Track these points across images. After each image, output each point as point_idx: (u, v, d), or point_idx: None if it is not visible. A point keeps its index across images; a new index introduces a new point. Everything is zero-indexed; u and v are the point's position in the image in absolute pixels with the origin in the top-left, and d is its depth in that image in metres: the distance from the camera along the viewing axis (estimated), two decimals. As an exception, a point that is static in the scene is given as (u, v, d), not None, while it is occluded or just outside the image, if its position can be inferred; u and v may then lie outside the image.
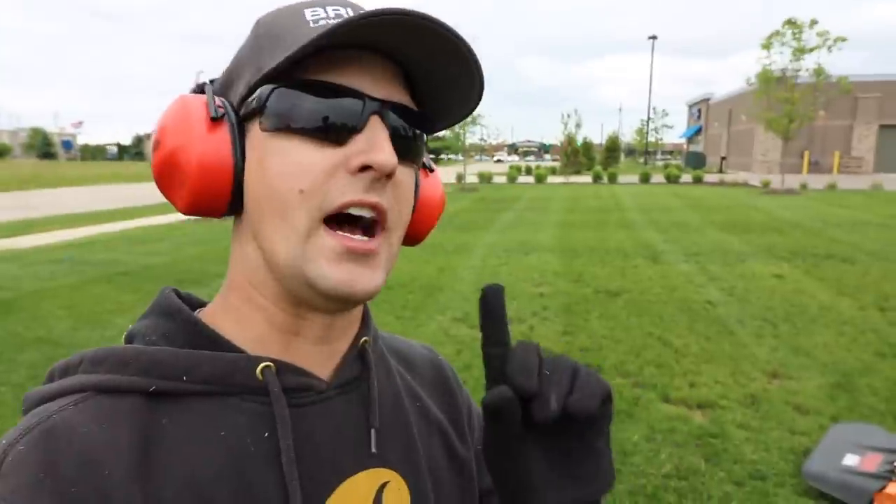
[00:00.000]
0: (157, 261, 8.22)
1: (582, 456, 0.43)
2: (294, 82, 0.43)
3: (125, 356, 0.44)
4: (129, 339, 0.48)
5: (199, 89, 0.49)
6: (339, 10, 0.45)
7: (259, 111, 0.44)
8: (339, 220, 0.44)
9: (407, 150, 0.47)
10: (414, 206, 0.53)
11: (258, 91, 0.44)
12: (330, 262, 0.43)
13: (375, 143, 0.43)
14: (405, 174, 0.47)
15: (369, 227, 0.45)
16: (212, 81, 0.50)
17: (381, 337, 0.60)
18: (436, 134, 0.55)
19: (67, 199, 20.22)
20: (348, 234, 0.43)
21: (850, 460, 2.81)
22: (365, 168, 0.43)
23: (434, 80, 0.47)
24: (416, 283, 6.63)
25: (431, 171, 0.56)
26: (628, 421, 3.45)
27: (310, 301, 0.46)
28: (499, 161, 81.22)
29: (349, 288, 0.43)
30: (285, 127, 0.43)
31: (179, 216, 14.06)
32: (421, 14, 0.40)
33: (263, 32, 0.47)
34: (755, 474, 2.91)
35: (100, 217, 14.15)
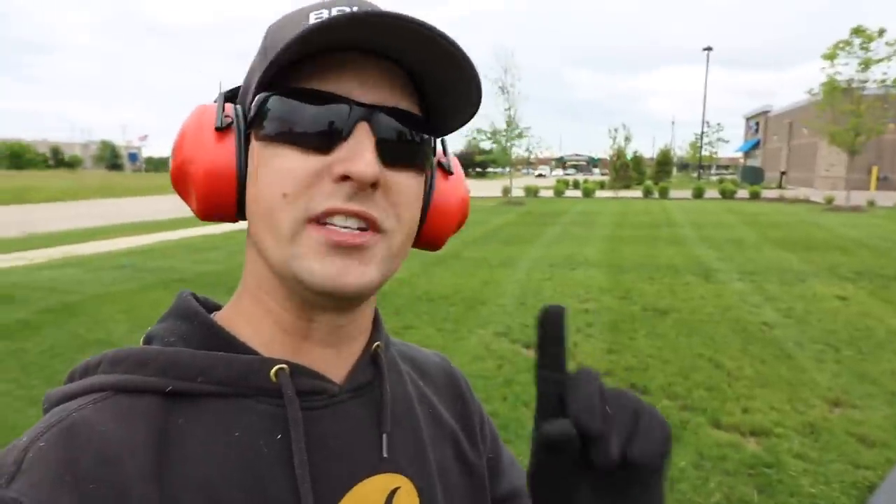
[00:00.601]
0: (210, 268, 8.52)
1: (636, 500, 0.41)
2: (285, 90, 0.44)
3: (143, 357, 0.46)
4: (148, 341, 0.49)
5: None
6: (343, 10, 0.44)
7: (256, 119, 0.45)
8: (324, 225, 0.43)
9: (404, 154, 0.46)
10: (427, 210, 0.52)
11: (256, 99, 0.45)
12: (316, 257, 0.43)
13: (356, 152, 0.42)
14: (402, 179, 0.46)
15: (363, 227, 0.44)
16: (234, 92, 0.51)
17: (392, 344, 0.60)
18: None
19: (131, 208, 21.31)
20: (336, 227, 0.43)
21: (921, 499, 2.60)
22: (346, 177, 0.42)
23: (432, 82, 0.46)
24: (458, 296, 6.61)
25: (451, 173, 0.55)
26: (676, 446, 3.30)
27: (309, 300, 0.46)
28: (541, 175, 75.83)
29: (335, 281, 0.43)
30: (276, 134, 0.44)
31: (233, 226, 14.54)
32: (397, 14, 0.40)
33: (269, 39, 0.47)
34: (813, 509, 2.73)
35: (160, 226, 14.85)
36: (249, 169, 0.46)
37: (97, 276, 8.01)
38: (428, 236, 0.54)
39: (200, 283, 7.49)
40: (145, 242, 11.66)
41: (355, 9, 0.44)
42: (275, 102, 0.44)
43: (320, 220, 0.43)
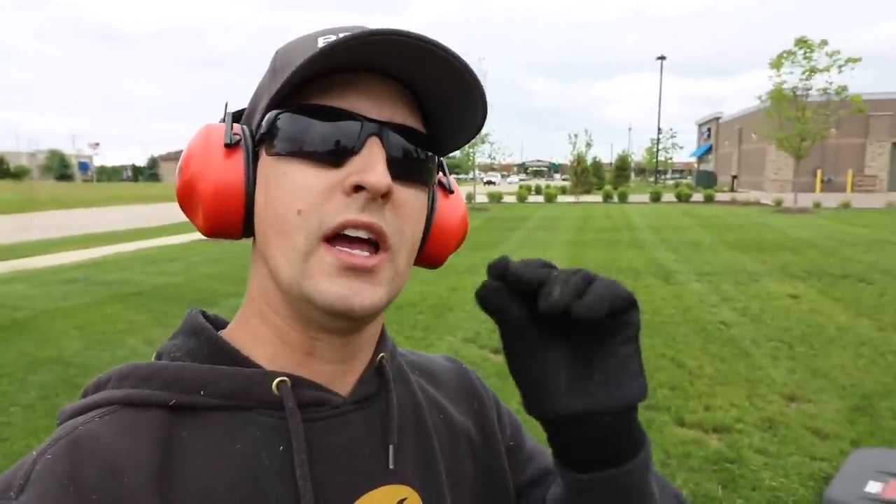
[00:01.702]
0: (169, 281, 8.27)
1: (603, 363, 0.42)
2: (296, 107, 0.45)
3: (148, 371, 0.46)
4: (158, 358, 0.50)
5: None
6: (351, 33, 0.46)
7: (266, 136, 0.46)
8: (339, 240, 0.44)
9: (410, 171, 0.47)
10: (430, 228, 0.53)
11: (266, 117, 0.46)
12: (328, 278, 0.43)
13: (369, 164, 0.43)
14: (409, 195, 0.47)
15: (371, 245, 0.45)
16: (241, 112, 0.52)
17: (399, 353, 0.60)
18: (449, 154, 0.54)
19: (82, 219, 20.52)
20: (347, 250, 0.44)
21: (873, 487, 2.72)
22: (359, 188, 0.43)
23: (437, 100, 0.48)
24: (426, 303, 6.61)
25: (451, 191, 0.56)
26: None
27: (315, 320, 0.47)
28: (490, 182, 66.37)
29: (346, 303, 0.43)
30: (287, 151, 0.45)
31: (193, 236, 14.20)
32: (411, 33, 0.41)
33: (278, 62, 0.49)
34: (774, 501, 2.83)
35: (114, 237, 14.34)
36: (258, 185, 0.47)
37: (47, 290, 7.67)
38: (430, 254, 0.55)
39: (158, 295, 7.27)
40: (99, 255, 11.23)
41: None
42: (287, 119, 0.45)
43: (333, 236, 0.44)
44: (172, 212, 24.90)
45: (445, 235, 0.55)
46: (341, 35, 0.45)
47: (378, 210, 0.44)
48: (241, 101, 0.53)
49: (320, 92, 0.45)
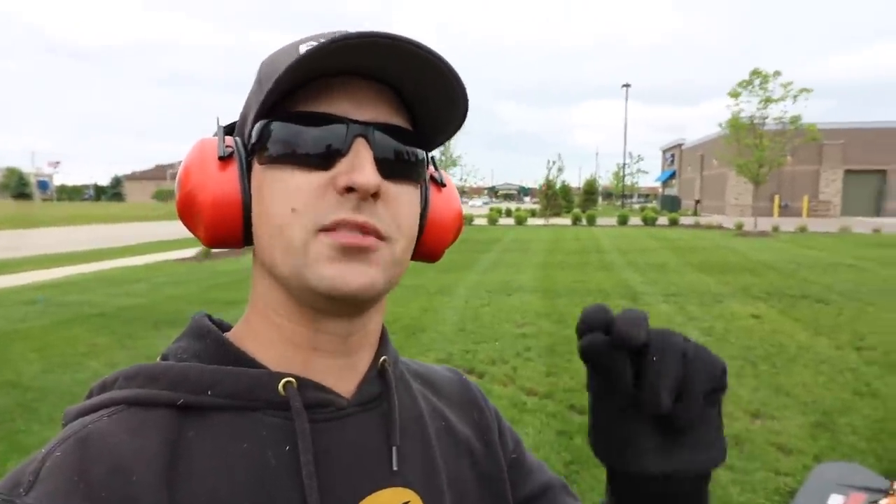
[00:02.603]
0: (133, 302, 8.05)
1: (693, 424, 0.42)
2: (283, 115, 0.46)
3: (155, 371, 0.47)
4: (164, 359, 0.50)
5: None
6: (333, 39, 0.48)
7: (257, 146, 0.48)
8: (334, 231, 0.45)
9: (400, 168, 0.48)
10: (425, 223, 0.55)
11: (255, 126, 0.48)
12: (326, 262, 0.45)
13: (357, 165, 0.45)
14: (400, 191, 0.48)
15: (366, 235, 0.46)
16: (231, 126, 0.54)
17: (402, 362, 0.61)
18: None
19: (41, 239, 19.84)
20: (343, 232, 0.45)
21: (835, 500, 2.81)
22: (350, 189, 0.45)
23: (420, 97, 0.49)
24: (398, 324, 6.58)
25: (444, 185, 0.57)
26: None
27: (319, 307, 0.48)
28: None
29: (345, 283, 0.45)
30: (278, 157, 0.46)
31: (158, 257, 13.87)
32: (388, 35, 0.42)
33: (263, 72, 0.50)
34: (742, 516, 2.88)
35: (75, 258, 13.89)
36: (253, 192, 0.48)
37: (5, 312, 7.37)
38: (427, 248, 0.56)
39: (121, 317, 7.06)
40: (59, 275, 10.86)
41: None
42: (276, 127, 0.46)
43: (329, 229, 0.45)
44: (136, 231, 24.25)
45: (441, 229, 0.56)
46: (321, 41, 0.46)
47: (370, 209, 0.45)
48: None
49: (306, 98, 0.46)
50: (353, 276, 0.45)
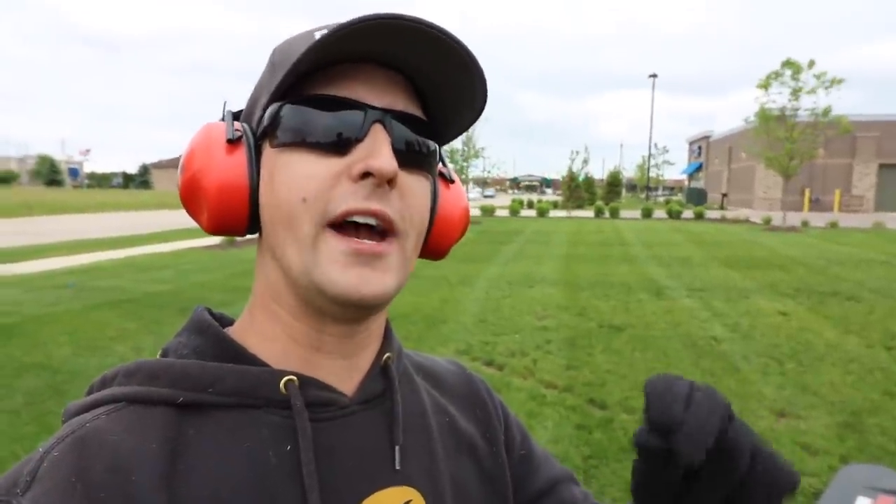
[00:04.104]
0: (160, 288, 8.21)
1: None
2: (298, 98, 0.45)
3: (156, 369, 0.46)
4: (164, 355, 0.49)
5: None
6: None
7: (269, 129, 0.46)
8: (346, 227, 0.44)
9: (414, 158, 0.47)
10: (433, 218, 0.53)
11: (267, 110, 0.46)
12: (338, 266, 0.43)
13: (374, 150, 0.44)
14: (413, 182, 0.47)
15: (379, 233, 0.45)
16: (237, 113, 0.52)
17: (406, 355, 0.60)
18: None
19: (72, 225, 20.36)
20: (356, 238, 0.44)
21: (862, 503, 2.75)
22: (366, 175, 0.43)
23: (437, 87, 0.48)
24: (418, 315, 6.60)
25: (452, 181, 0.56)
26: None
27: (325, 310, 0.47)
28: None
29: (358, 291, 0.44)
30: (291, 141, 0.45)
31: (185, 244, 14.12)
32: (407, 16, 0.41)
33: (277, 57, 0.48)
34: (765, 516, 2.84)
35: (104, 244, 14.22)
36: (262, 179, 0.47)
37: (37, 296, 7.59)
38: (434, 244, 0.55)
39: (149, 303, 7.21)
40: (89, 261, 11.14)
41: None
42: (289, 111, 0.45)
43: (339, 223, 0.44)
44: (164, 219, 24.70)
45: (449, 225, 0.55)
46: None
47: (384, 197, 0.44)
48: (235, 108, 0.53)
49: (321, 83, 0.45)
50: (366, 285, 0.44)
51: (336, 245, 0.43)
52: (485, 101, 0.47)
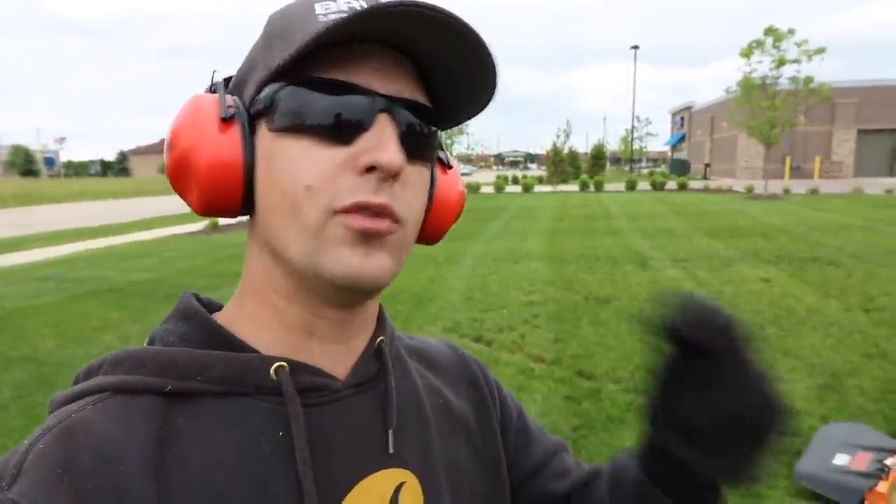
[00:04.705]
0: (143, 276, 8.13)
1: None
2: (301, 80, 0.43)
3: (143, 357, 0.45)
4: (151, 342, 0.48)
5: (214, 89, 0.49)
6: (351, 2, 0.44)
7: (267, 110, 0.44)
8: (352, 214, 0.43)
9: (418, 147, 0.46)
10: (430, 204, 0.52)
11: (266, 90, 0.44)
12: (342, 246, 0.43)
13: (381, 143, 0.42)
14: (415, 172, 0.46)
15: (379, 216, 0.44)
16: (227, 80, 0.50)
17: (398, 338, 0.59)
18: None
19: (50, 216, 19.98)
20: (358, 214, 0.43)
21: (841, 460, 2.84)
22: (372, 168, 0.42)
23: (447, 74, 0.46)
24: (405, 294, 6.61)
25: (449, 167, 0.56)
26: (622, 427, 3.45)
27: (323, 294, 0.46)
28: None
29: (356, 273, 0.43)
30: (292, 126, 0.43)
31: (167, 231, 13.95)
32: (423, 3, 0.39)
33: (273, 29, 0.46)
34: (749, 477, 2.92)
35: (84, 234, 14.00)
36: (259, 161, 0.45)
37: (19, 288, 7.49)
38: (430, 229, 0.54)
39: (133, 292, 7.15)
40: (69, 251, 10.98)
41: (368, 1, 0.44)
42: (291, 93, 0.43)
43: (345, 211, 0.42)
44: (144, 206, 24.35)
45: (445, 210, 0.54)
46: (346, 6, 0.43)
47: (389, 189, 0.43)
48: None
49: (324, 64, 0.43)
50: (368, 266, 0.43)
51: (339, 225, 0.42)
52: (495, 90, 0.46)
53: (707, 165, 42.50)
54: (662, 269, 7.95)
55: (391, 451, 0.49)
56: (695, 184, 29.41)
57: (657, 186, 26.93)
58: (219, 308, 0.52)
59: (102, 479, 0.39)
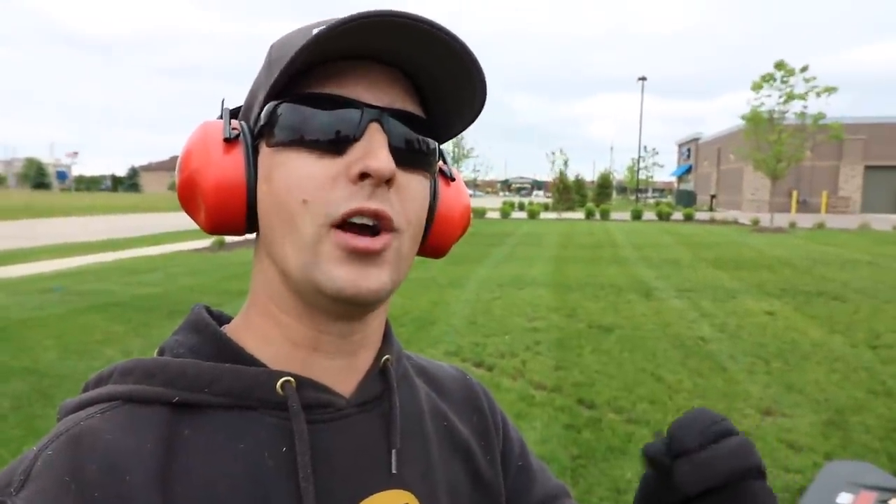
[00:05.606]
0: (149, 291, 8.16)
1: None
2: (295, 97, 0.45)
3: (152, 368, 0.46)
4: (160, 353, 0.49)
5: (222, 116, 0.51)
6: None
7: (266, 128, 0.46)
8: (345, 227, 0.44)
9: (413, 156, 0.47)
10: (433, 217, 0.53)
11: (264, 109, 0.46)
12: (335, 264, 0.43)
13: (371, 150, 0.43)
14: (412, 180, 0.47)
15: (376, 232, 0.45)
16: (236, 110, 0.52)
17: (407, 357, 0.60)
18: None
19: (60, 228, 20.16)
20: (354, 234, 0.44)
21: (844, 499, 2.77)
22: (364, 175, 0.43)
23: (436, 84, 0.47)
24: (408, 317, 6.60)
25: (453, 179, 0.56)
26: (622, 458, 3.41)
27: (323, 308, 0.47)
28: None
29: (354, 287, 0.43)
30: (288, 141, 0.45)
31: (174, 247, 14.02)
32: (407, 14, 0.40)
33: (273, 54, 0.48)
34: (750, 513, 2.87)
35: (92, 247, 14.10)
36: (259, 179, 0.46)
37: (23, 300, 7.51)
38: (434, 242, 0.54)
39: (137, 306, 7.16)
40: (76, 264, 11.04)
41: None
42: (286, 109, 0.45)
43: (341, 223, 0.43)
44: (152, 222, 24.52)
45: (449, 224, 0.54)
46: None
47: (384, 196, 0.44)
48: (233, 107, 0.52)
49: (318, 81, 0.45)
50: (362, 281, 0.44)
51: (334, 243, 0.43)
52: (484, 101, 0.47)
53: (713, 197, 42.53)
54: (667, 298, 7.91)
55: (394, 471, 0.49)
56: (701, 215, 29.42)
57: (663, 217, 26.95)
58: (229, 321, 0.53)
59: (109, 488, 0.39)
